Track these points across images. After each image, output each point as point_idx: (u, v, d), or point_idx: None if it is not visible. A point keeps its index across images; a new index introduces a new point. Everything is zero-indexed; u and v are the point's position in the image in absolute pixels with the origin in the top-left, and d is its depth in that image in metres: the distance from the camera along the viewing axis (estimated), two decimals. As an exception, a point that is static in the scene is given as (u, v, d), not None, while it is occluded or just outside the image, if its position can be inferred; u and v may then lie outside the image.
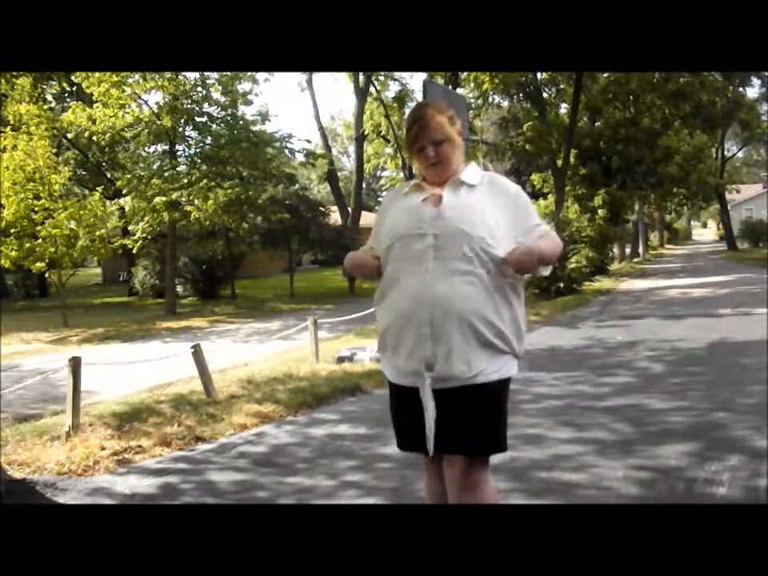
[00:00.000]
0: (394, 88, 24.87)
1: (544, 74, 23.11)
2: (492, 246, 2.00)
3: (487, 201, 2.08)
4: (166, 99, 15.95)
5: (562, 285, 14.98)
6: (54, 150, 16.02)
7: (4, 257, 13.90)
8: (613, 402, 5.13)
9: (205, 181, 15.74)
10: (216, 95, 16.86)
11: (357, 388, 6.04)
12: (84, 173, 25.07)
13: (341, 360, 7.25)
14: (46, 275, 16.52)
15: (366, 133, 23.47)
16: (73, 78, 17.06)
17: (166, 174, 15.93)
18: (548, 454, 3.88)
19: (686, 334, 8.36)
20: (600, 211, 24.29)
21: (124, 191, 16.21)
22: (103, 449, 4.27)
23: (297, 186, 21.75)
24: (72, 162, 23.41)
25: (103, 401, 5.79)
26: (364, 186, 29.84)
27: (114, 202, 16.81)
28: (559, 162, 22.38)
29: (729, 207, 39.77)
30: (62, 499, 3.54)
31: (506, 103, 25.37)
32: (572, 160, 22.92)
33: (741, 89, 29.22)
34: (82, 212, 14.09)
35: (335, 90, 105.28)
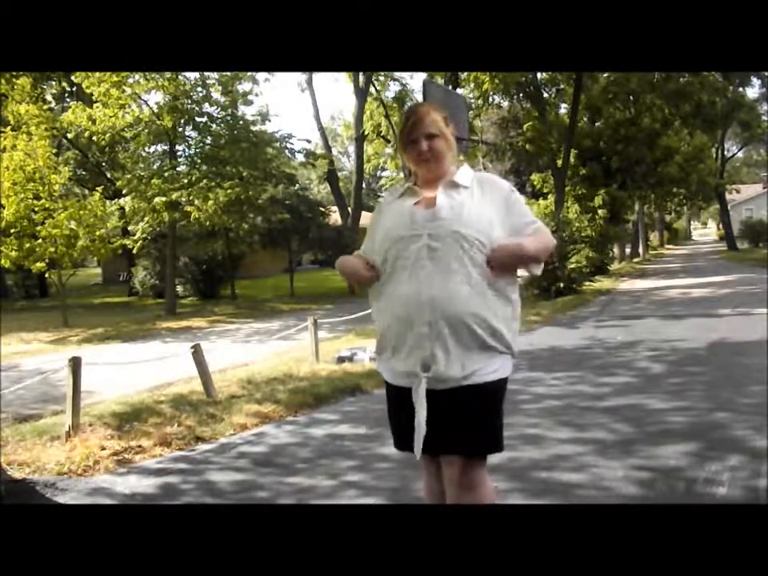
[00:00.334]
0: (394, 88, 24.83)
1: (544, 74, 23.14)
2: (486, 245, 2.03)
3: (480, 201, 2.09)
4: (166, 99, 15.98)
5: (561, 285, 15.01)
6: (54, 150, 16.02)
7: (4, 257, 13.91)
8: (613, 402, 5.12)
9: (205, 181, 15.75)
10: (216, 95, 16.90)
11: (357, 388, 6.04)
12: (84, 173, 25.12)
13: (341, 360, 7.26)
14: (46, 275, 16.50)
15: (365, 133, 23.44)
16: (73, 78, 17.05)
17: (166, 174, 15.94)
18: (548, 454, 3.88)
19: (686, 334, 8.35)
20: (600, 211, 24.32)
21: (124, 191, 16.23)
22: (103, 449, 4.27)
23: (297, 186, 21.75)
24: (72, 162, 23.46)
25: (103, 401, 5.79)
26: (364, 186, 29.79)
27: (114, 202, 16.81)
28: (559, 162, 22.39)
29: (729, 207, 39.80)
30: (62, 499, 3.54)
31: (506, 103, 25.44)
32: (572, 160, 22.94)
33: (741, 89, 29.31)
34: (81, 212, 14.12)
35: (335, 89, 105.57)
